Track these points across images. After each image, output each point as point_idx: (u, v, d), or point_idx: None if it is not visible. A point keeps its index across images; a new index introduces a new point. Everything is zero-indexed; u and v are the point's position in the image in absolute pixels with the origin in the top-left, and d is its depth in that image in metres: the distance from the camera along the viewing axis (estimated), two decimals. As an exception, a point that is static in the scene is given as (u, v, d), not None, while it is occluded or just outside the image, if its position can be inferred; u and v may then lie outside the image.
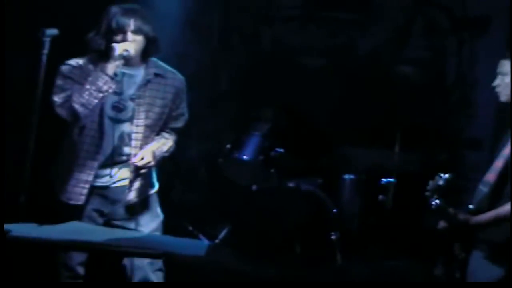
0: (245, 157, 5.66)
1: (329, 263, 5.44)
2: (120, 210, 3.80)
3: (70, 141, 3.77)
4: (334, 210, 5.60)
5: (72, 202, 3.72)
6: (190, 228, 5.79)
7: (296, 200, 5.59)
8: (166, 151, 3.89)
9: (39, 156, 3.42)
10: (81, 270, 3.80)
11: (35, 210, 3.38)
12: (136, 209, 3.81)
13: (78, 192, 3.72)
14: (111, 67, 3.59)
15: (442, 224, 3.82)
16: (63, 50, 3.54)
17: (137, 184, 3.79)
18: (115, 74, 3.61)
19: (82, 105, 3.57)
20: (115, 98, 3.73)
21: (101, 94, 3.57)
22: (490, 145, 6.58)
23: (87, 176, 3.72)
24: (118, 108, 3.73)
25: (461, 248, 3.75)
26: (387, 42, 6.79)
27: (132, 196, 3.79)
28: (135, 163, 3.70)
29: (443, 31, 6.75)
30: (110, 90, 3.60)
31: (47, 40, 3.38)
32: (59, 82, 3.67)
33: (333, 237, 5.47)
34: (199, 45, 6.64)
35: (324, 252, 5.47)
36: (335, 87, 6.61)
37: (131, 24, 3.63)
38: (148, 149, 3.74)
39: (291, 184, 5.64)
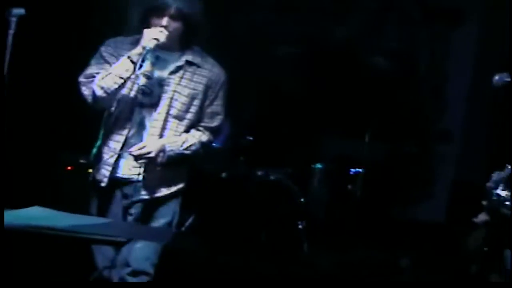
0: (214, 144, 5.64)
1: (295, 252, 5.45)
2: (133, 206, 3.52)
3: (104, 122, 3.55)
4: (302, 199, 5.61)
5: (100, 184, 3.52)
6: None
7: (264, 188, 5.57)
8: (186, 149, 3.53)
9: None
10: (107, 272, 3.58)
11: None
12: (145, 208, 3.53)
13: (103, 174, 3.51)
14: (137, 53, 3.35)
15: (482, 217, 3.76)
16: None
17: (149, 179, 3.49)
18: (142, 61, 3.36)
19: (102, 88, 3.39)
20: (143, 81, 3.46)
21: (121, 80, 3.36)
22: (459, 138, 6.64)
23: (111, 158, 3.48)
24: (144, 92, 3.47)
25: (489, 242, 3.72)
26: (360, 32, 6.79)
27: (143, 192, 3.51)
28: (131, 152, 3.43)
29: (416, 23, 6.77)
30: (132, 77, 3.38)
31: (13, 20, 3.29)
32: (91, 61, 3.50)
33: (300, 226, 5.47)
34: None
35: (291, 241, 5.48)
36: (307, 76, 6.60)
37: (172, 7, 3.37)
38: (157, 141, 3.45)
39: (259, 173, 5.62)
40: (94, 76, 3.45)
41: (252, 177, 5.62)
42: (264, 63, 6.57)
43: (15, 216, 2.92)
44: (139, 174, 3.50)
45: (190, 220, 5.63)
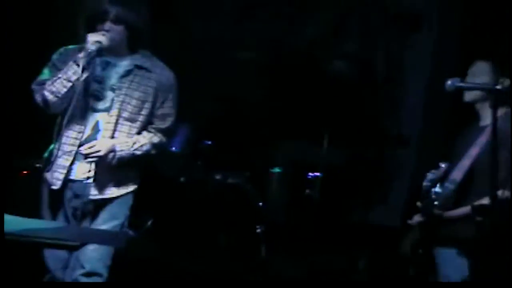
0: (172, 148, 5.63)
1: (254, 256, 5.46)
2: (84, 206, 3.60)
3: (58, 127, 3.63)
4: (260, 204, 5.62)
5: (52, 187, 3.59)
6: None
7: (223, 192, 5.58)
8: (136, 149, 3.64)
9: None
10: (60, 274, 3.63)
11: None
12: (95, 209, 3.61)
13: (56, 177, 3.58)
14: (82, 57, 3.46)
15: (417, 218, 3.81)
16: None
17: (100, 180, 3.58)
18: (88, 64, 3.47)
19: (52, 92, 3.50)
20: (95, 86, 3.60)
21: (70, 84, 3.47)
22: (416, 144, 6.72)
23: (65, 161, 3.57)
24: (97, 96, 3.60)
25: (423, 243, 3.78)
26: (318, 37, 6.83)
27: (93, 192, 3.59)
28: (81, 151, 3.53)
29: (375, 28, 6.83)
30: (81, 80, 3.47)
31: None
32: (44, 70, 3.62)
33: (258, 230, 5.49)
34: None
35: (249, 245, 5.49)
36: (266, 81, 6.62)
37: (112, 12, 3.51)
38: (107, 140, 3.56)
39: (218, 177, 5.63)
40: (45, 83, 3.55)
41: (211, 181, 5.62)
42: (222, 67, 6.58)
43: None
44: (91, 177, 3.55)
45: (147, 224, 5.62)
